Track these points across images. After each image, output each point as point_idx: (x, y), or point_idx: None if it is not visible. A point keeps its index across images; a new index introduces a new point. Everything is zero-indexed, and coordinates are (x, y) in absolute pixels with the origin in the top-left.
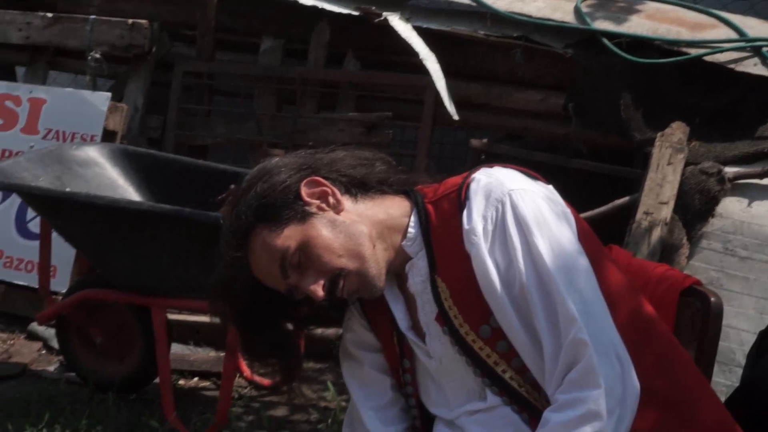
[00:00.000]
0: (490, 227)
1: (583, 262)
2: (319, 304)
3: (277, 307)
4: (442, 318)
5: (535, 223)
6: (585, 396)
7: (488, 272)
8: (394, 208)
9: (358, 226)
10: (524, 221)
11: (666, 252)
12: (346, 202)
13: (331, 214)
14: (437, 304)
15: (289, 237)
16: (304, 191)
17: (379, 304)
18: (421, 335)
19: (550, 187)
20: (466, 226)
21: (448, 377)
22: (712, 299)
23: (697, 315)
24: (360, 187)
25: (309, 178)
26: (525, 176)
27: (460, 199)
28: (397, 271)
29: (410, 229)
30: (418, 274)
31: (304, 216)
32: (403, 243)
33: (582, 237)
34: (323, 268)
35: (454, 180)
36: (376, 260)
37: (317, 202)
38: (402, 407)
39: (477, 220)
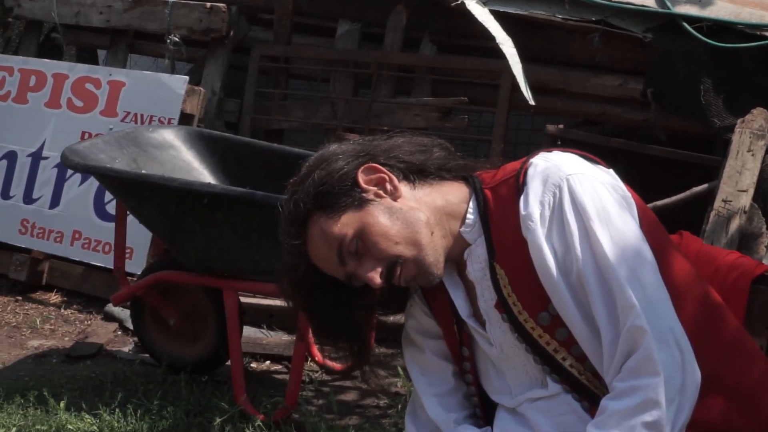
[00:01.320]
0: (547, 213)
1: (644, 249)
2: (384, 291)
3: (341, 293)
4: (501, 305)
5: (594, 208)
6: (643, 384)
7: (545, 258)
8: (453, 194)
9: (415, 213)
10: (582, 206)
11: (744, 241)
12: (404, 188)
13: (388, 200)
14: (496, 291)
15: (346, 224)
16: (362, 178)
17: (440, 291)
18: (481, 322)
19: (611, 171)
20: (522, 211)
21: (509, 364)
22: None
23: None
24: (418, 173)
25: (366, 165)
26: (585, 160)
27: (518, 184)
28: (456, 258)
29: (469, 215)
30: (476, 260)
31: (361, 203)
32: (462, 229)
33: (644, 224)
34: (380, 256)
35: (513, 165)
36: (434, 247)
37: (375, 188)
38: (464, 394)
39: (534, 205)
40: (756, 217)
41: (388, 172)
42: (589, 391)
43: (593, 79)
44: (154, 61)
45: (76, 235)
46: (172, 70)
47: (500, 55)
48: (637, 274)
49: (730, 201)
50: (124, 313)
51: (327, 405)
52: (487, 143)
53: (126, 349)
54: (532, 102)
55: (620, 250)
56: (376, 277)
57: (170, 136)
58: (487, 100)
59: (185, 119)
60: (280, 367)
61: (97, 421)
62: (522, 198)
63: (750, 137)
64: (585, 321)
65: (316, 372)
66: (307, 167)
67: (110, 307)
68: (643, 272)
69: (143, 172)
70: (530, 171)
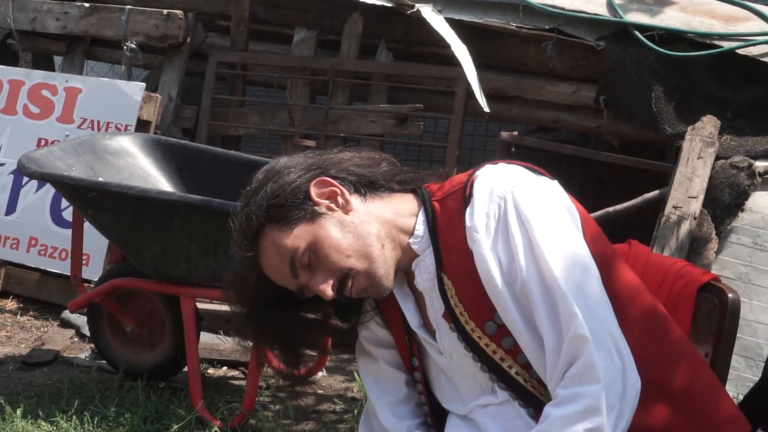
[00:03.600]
0: (492, 224)
1: (587, 259)
2: (337, 302)
3: (290, 307)
4: (449, 315)
5: (538, 219)
6: (584, 391)
7: (490, 269)
8: (402, 207)
9: (366, 226)
10: (526, 217)
11: (694, 246)
12: (355, 201)
13: (340, 214)
14: (444, 301)
15: (298, 237)
16: (314, 191)
17: (391, 302)
18: (431, 332)
19: (556, 182)
20: (468, 223)
21: (459, 373)
22: (730, 295)
23: (714, 311)
24: (368, 186)
25: (318, 179)
26: (530, 172)
27: (464, 196)
28: (405, 269)
29: (417, 227)
30: (425, 271)
31: (313, 216)
32: (410, 240)
33: (588, 234)
34: (332, 268)
35: (460, 177)
36: (385, 260)
37: (326, 202)
38: (416, 403)
39: (479, 216)
40: (705, 222)
41: (340, 186)
42: (534, 398)
43: (547, 86)
44: (111, 67)
45: (33, 242)
46: (129, 77)
47: (456, 63)
48: (579, 284)
49: (681, 207)
50: (80, 319)
51: (283, 410)
52: (442, 149)
53: (83, 356)
54: (486, 109)
55: (563, 261)
56: (327, 289)
57: (127, 143)
58: (443, 107)
59: (142, 126)
60: (237, 372)
61: (54, 428)
62: (468, 210)
63: (700, 144)
64: (529, 330)
65: (273, 377)
66: (258, 180)
67: (67, 314)
68: (585, 282)
69: (100, 179)
70: (476, 183)
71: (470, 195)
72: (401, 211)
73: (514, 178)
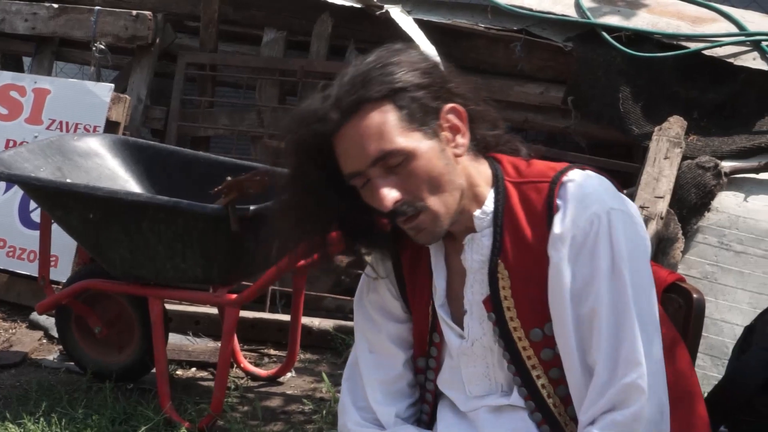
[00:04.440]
0: (580, 238)
1: (656, 309)
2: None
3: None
4: (492, 304)
5: (629, 251)
6: None
7: (564, 282)
8: (482, 175)
9: (460, 178)
10: (618, 246)
11: (661, 246)
12: (465, 152)
13: (450, 151)
14: (491, 288)
15: (406, 139)
16: (447, 113)
17: (421, 271)
18: (457, 312)
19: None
20: (557, 230)
21: (471, 362)
22: (695, 296)
23: (680, 311)
24: (478, 144)
25: (460, 108)
26: (617, 190)
27: (551, 196)
28: (452, 238)
29: (487, 203)
30: (478, 250)
31: (432, 134)
32: (477, 213)
33: None
34: (411, 190)
35: (541, 167)
36: (452, 217)
37: (448, 132)
38: (408, 382)
39: (569, 227)
40: (672, 222)
41: (468, 132)
42: (551, 415)
43: (516, 87)
44: (80, 68)
45: (1, 243)
46: (98, 78)
47: None
48: (650, 337)
49: (648, 207)
50: (49, 321)
51: (252, 411)
52: None
53: (51, 358)
54: None
55: (640, 301)
56: (390, 200)
57: (96, 144)
58: None
59: (111, 127)
60: (205, 374)
61: (21, 430)
62: (558, 215)
63: (667, 144)
64: (579, 353)
65: (242, 378)
66: (409, 55)
67: (35, 316)
68: (655, 338)
69: (68, 181)
70: (570, 187)
71: (560, 198)
72: (482, 178)
73: (611, 198)
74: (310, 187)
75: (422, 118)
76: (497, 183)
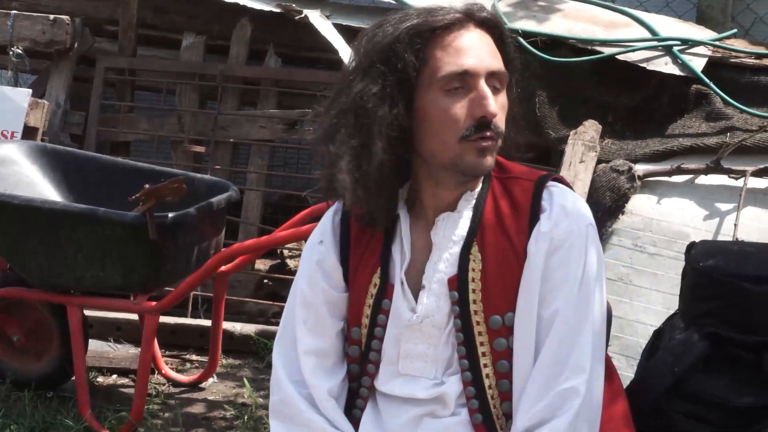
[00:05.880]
0: (558, 241)
1: (605, 319)
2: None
3: None
4: (458, 282)
5: (597, 265)
6: None
7: (537, 279)
8: None
9: None
10: (591, 259)
11: None
12: None
13: None
14: (460, 268)
15: (508, 64)
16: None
17: (372, 236)
18: (411, 286)
19: None
20: (543, 228)
21: (415, 339)
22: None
23: None
24: None
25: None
26: None
27: (537, 196)
28: (426, 210)
29: (477, 186)
30: (451, 230)
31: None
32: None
33: None
34: (500, 116)
35: (523, 169)
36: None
37: None
38: (340, 355)
39: (554, 229)
40: None
41: None
42: (487, 407)
43: None
44: None
45: None
46: (16, 83)
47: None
48: (599, 348)
49: None
50: None
51: (173, 418)
52: None
53: None
54: None
55: (598, 315)
56: (495, 108)
57: (12, 151)
58: None
59: (29, 132)
60: (127, 380)
61: None
62: (545, 215)
63: (582, 148)
64: (534, 350)
65: (164, 385)
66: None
67: None
68: (602, 348)
69: None
70: (555, 193)
71: (546, 200)
72: None
73: (589, 213)
74: (388, 82)
75: (513, 53)
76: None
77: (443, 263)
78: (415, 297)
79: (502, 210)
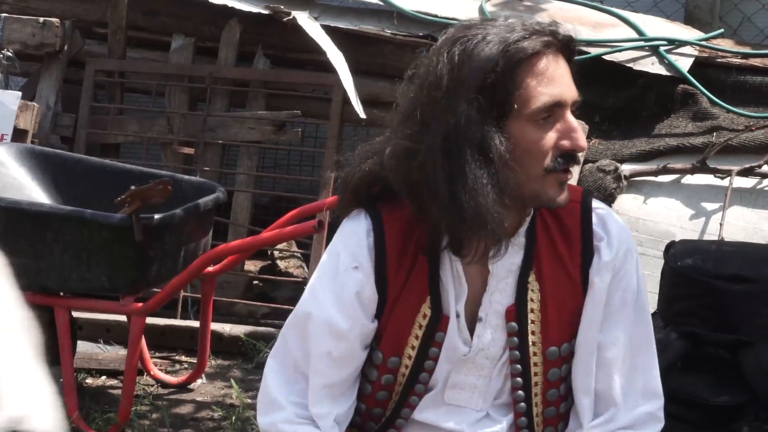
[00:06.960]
0: (617, 268)
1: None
2: None
3: None
4: (516, 314)
5: (643, 286)
6: None
7: (601, 309)
8: None
9: None
10: (641, 281)
11: None
12: None
13: None
14: (518, 298)
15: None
16: None
17: (415, 264)
18: (466, 318)
19: None
20: (606, 258)
21: (465, 371)
22: None
23: None
24: None
25: None
26: None
27: (586, 221)
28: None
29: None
30: (509, 258)
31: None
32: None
33: None
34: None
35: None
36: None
37: None
38: (352, 381)
39: (615, 258)
40: None
41: None
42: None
43: None
44: None
45: None
46: (6, 86)
47: (333, 69)
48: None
49: None
50: None
51: (161, 419)
52: (320, 155)
53: None
54: (362, 115)
55: (652, 334)
56: (585, 141)
57: (1, 154)
58: (320, 113)
59: (19, 135)
60: (116, 382)
61: None
62: (604, 243)
63: None
64: (593, 378)
65: (152, 386)
66: None
67: None
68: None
69: None
70: (605, 216)
71: (597, 225)
72: None
73: (631, 234)
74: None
75: None
76: None
77: (499, 293)
78: (469, 328)
79: (553, 236)
